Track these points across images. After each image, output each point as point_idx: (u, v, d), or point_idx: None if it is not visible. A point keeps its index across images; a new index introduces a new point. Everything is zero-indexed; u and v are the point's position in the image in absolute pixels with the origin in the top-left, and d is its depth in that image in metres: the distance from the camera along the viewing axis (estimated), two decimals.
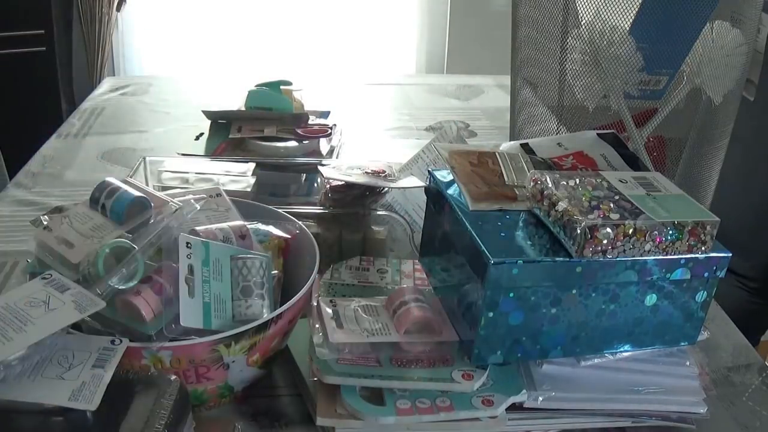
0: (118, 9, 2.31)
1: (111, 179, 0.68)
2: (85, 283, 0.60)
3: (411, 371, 0.61)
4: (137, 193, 0.67)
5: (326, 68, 2.44)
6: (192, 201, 0.68)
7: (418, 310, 0.63)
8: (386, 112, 1.40)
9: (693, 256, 0.58)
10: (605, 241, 0.55)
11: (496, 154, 0.70)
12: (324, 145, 1.13)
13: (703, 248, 0.58)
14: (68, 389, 0.53)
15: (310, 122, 1.16)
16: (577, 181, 0.61)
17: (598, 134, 0.77)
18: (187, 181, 0.89)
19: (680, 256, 0.58)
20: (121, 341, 0.56)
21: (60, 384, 0.53)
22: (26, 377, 0.54)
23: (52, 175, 1.07)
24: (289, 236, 0.69)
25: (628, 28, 0.79)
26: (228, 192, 0.75)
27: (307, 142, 1.11)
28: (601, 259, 0.56)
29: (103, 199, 0.67)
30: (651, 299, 0.60)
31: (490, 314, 0.57)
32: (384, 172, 0.84)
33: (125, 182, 0.69)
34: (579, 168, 0.71)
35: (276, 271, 0.66)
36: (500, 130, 1.30)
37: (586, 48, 0.80)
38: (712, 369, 0.72)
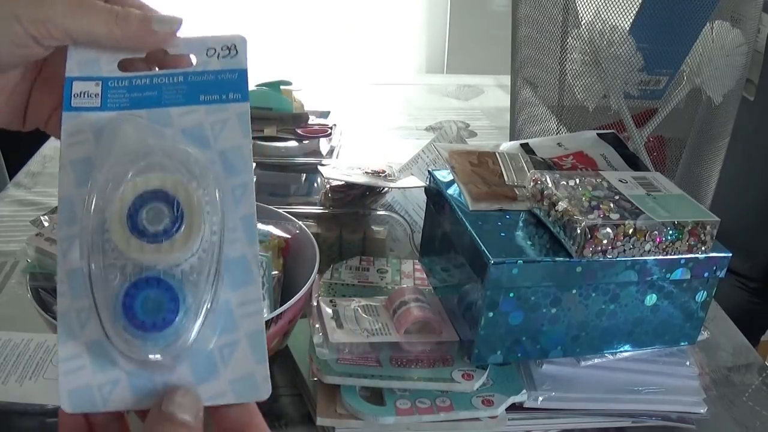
0: None
1: None
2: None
3: (411, 371, 0.61)
4: None
5: (326, 68, 2.44)
6: None
7: (418, 310, 0.63)
8: (386, 112, 1.40)
9: (693, 256, 0.58)
10: (605, 241, 0.55)
11: (496, 154, 0.70)
12: (324, 145, 1.13)
13: (703, 248, 0.58)
14: None
15: (310, 122, 1.16)
16: (577, 181, 0.61)
17: (598, 134, 0.77)
18: None
19: (680, 256, 0.58)
20: None
21: None
22: (27, 379, 0.54)
23: (52, 175, 1.07)
24: (289, 236, 0.69)
25: (628, 28, 0.79)
26: None
27: (307, 142, 1.11)
28: (601, 259, 0.56)
29: None
30: (651, 299, 0.60)
31: (490, 314, 0.57)
32: (384, 172, 0.84)
33: None
34: (579, 168, 0.71)
35: (276, 271, 0.66)
36: (500, 130, 1.30)
37: (586, 48, 0.80)
38: (712, 369, 0.72)
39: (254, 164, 0.94)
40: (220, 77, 0.41)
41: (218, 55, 0.41)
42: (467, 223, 0.59)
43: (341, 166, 0.86)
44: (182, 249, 0.35)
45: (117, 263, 0.35)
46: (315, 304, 0.64)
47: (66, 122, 0.39)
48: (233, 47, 0.42)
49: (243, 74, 0.41)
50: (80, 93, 0.39)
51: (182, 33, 0.41)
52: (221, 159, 0.39)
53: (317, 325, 0.62)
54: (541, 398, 0.60)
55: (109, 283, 0.35)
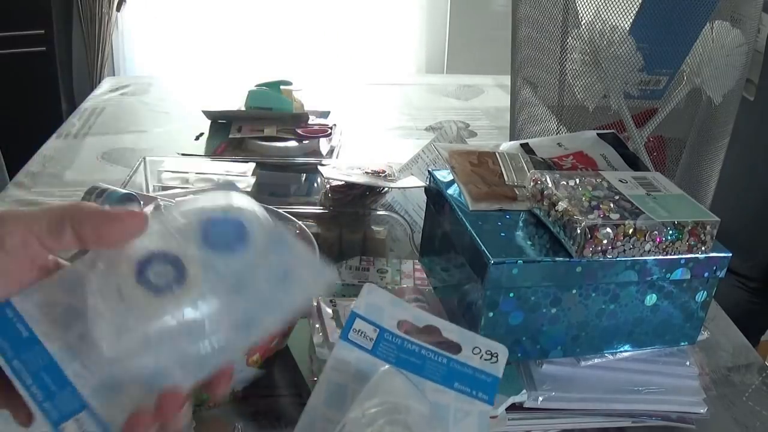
0: (118, 9, 2.31)
1: (99, 184, 0.70)
2: None
3: None
4: (125, 190, 0.69)
5: (326, 68, 2.44)
6: None
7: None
8: (386, 112, 1.40)
9: (693, 256, 0.58)
10: (605, 241, 0.55)
11: (496, 154, 0.70)
12: (324, 145, 1.13)
13: (703, 248, 0.58)
14: None
15: (310, 122, 1.17)
16: (577, 181, 0.61)
17: (598, 134, 0.77)
18: (187, 181, 0.89)
19: (680, 256, 0.58)
20: None
21: None
22: None
23: (52, 175, 1.07)
24: None
25: (628, 28, 0.79)
26: None
27: (307, 142, 1.12)
28: (601, 259, 0.56)
29: (92, 200, 0.68)
30: (651, 299, 0.60)
31: (490, 314, 0.57)
32: (384, 172, 0.84)
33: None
34: (579, 168, 0.71)
35: None
36: (500, 130, 1.30)
37: (586, 48, 0.80)
38: (712, 369, 0.72)
39: (254, 164, 0.94)
40: (477, 376, 0.47)
41: (482, 355, 0.48)
42: (467, 223, 0.59)
43: (341, 166, 0.86)
44: None
45: None
46: (315, 304, 0.64)
47: (339, 349, 0.46)
48: (496, 354, 0.48)
49: (496, 381, 0.47)
50: (359, 331, 0.47)
51: None
52: None
53: (317, 325, 0.62)
54: (541, 398, 0.60)
55: None
